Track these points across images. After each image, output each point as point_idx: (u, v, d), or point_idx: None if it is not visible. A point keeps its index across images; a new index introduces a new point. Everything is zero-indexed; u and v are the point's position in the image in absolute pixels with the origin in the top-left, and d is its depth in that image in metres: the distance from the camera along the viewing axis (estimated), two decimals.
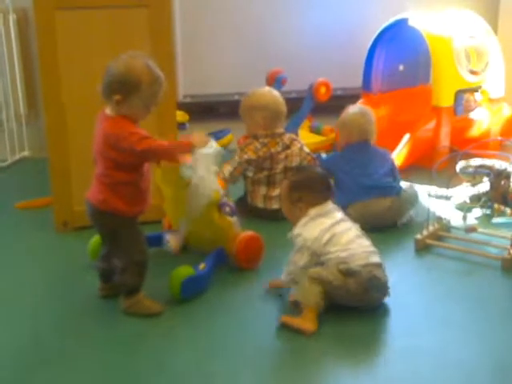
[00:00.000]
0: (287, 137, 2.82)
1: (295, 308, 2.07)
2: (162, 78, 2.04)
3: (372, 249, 2.17)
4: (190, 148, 2.07)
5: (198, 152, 2.10)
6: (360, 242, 2.16)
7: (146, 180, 2.09)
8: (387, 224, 2.70)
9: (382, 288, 2.12)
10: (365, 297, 2.08)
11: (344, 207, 2.72)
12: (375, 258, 2.14)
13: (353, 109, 2.99)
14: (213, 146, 2.18)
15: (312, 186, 2.23)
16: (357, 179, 2.76)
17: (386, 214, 2.71)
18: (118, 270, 2.10)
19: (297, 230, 2.18)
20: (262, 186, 2.82)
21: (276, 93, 2.91)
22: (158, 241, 2.50)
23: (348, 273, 2.07)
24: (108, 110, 2.04)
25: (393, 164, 2.91)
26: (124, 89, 1.98)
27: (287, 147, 2.77)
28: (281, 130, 2.83)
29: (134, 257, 2.08)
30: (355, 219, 2.67)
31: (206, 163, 2.17)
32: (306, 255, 2.13)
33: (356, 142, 2.86)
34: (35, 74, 3.53)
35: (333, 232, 2.14)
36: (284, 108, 2.85)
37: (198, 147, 2.08)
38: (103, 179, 2.04)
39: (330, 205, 2.23)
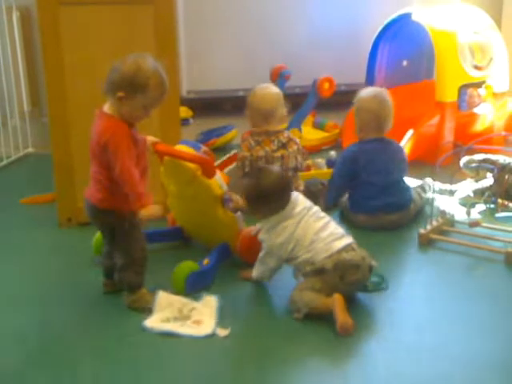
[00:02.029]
0: (285, 135, 2.68)
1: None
2: (167, 83, 2.02)
3: (335, 235, 2.11)
4: (142, 206, 1.98)
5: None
6: (321, 236, 2.10)
7: (142, 181, 2.03)
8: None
9: (357, 265, 2.07)
10: (348, 281, 2.06)
11: (353, 213, 2.74)
12: (338, 244, 2.09)
13: (365, 92, 2.82)
14: None
15: (267, 199, 2.13)
16: (367, 189, 2.69)
17: (390, 226, 2.67)
18: (118, 267, 2.11)
19: (261, 236, 2.18)
20: None
21: (275, 89, 2.75)
22: (160, 237, 2.52)
23: (317, 272, 2.07)
24: (106, 108, 2.03)
25: (406, 164, 2.81)
26: (130, 87, 1.96)
27: (283, 146, 2.65)
28: (278, 127, 2.70)
29: (134, 254, 2.09)
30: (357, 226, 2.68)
31: None
32: (274, 259, 2.17)
33: (371, 137, 2.73)
34: (39, 71, 3.55)
35: (296, 238, 2.11)
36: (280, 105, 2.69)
37: (144, 214, 2.00)
38: (99, 177, 2.03)
39: (290, 205, 2.13)
